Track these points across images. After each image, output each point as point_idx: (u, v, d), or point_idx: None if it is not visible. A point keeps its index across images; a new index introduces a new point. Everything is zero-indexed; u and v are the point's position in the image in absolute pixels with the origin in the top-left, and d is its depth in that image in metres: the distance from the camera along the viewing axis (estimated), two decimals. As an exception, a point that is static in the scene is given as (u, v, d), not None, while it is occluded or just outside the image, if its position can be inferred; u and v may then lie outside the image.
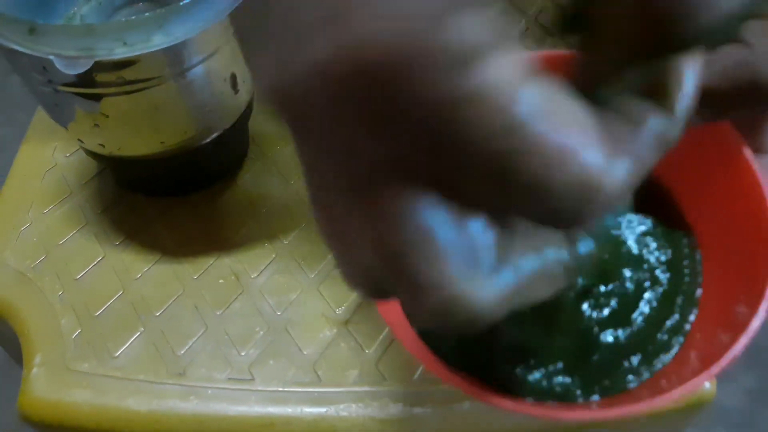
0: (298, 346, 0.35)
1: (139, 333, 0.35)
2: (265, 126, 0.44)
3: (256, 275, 0.38)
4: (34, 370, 0.34)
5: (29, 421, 0.33)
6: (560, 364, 0.25)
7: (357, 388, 0.33)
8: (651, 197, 0.29)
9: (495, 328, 0.19)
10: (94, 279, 0.37)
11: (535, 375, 0.25)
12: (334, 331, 0.35)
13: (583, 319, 0.25)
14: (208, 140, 0.37)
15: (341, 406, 0.33)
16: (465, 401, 0.33)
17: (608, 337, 0.25)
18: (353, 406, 0.33)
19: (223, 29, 0.32)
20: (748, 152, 0.25)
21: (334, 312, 0.36)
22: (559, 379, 0.25)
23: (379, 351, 0.34)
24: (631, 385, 0.25)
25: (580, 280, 0.25)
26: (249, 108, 0.39)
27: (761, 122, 0.24)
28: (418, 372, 0.34)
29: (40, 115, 0.45)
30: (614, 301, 0.26)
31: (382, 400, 0.33)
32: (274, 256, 0.38)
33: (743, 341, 0.22)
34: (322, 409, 0.33)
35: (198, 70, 0.32)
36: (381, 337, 0.35)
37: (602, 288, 0.26)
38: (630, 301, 0.26)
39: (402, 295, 0.15)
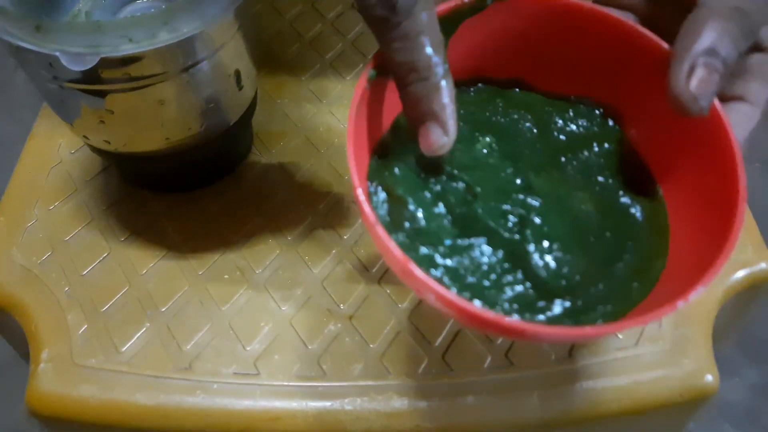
0: (303, 341, 0.35)
1: (145, 328, 0.35)
2: (269, 122, 0.44)
3: (260, 270, 0.38)
4: (42, 365, 0.34)
5: (37, 416, 0.34)
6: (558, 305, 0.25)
7: (362, 382, 0.33)
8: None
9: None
10: (100, 275, 0.38)
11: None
12: (339, 325, 0.36)
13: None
14: (212, 136, 0.37)
15: (346, 400, 0.33)
16: (469, 395, 0.33)
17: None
18: (358, 400, 0.33)
19: (227, 25, 0.32)
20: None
21: (339, 307, 0.36)
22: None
23: (383, 345, 0.35)
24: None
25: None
26: (253, 104, 0.39)
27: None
28: (423, 366, 0.34)
29: (45, 112, 0.46)
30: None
31: (386, 394, 0.33)
32: (278, 251, 0.39)
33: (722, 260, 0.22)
34: (327, 403, 0.33)
35: (203, 67, 0.32)
36: (385, 331, 0.35)
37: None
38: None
39: None
